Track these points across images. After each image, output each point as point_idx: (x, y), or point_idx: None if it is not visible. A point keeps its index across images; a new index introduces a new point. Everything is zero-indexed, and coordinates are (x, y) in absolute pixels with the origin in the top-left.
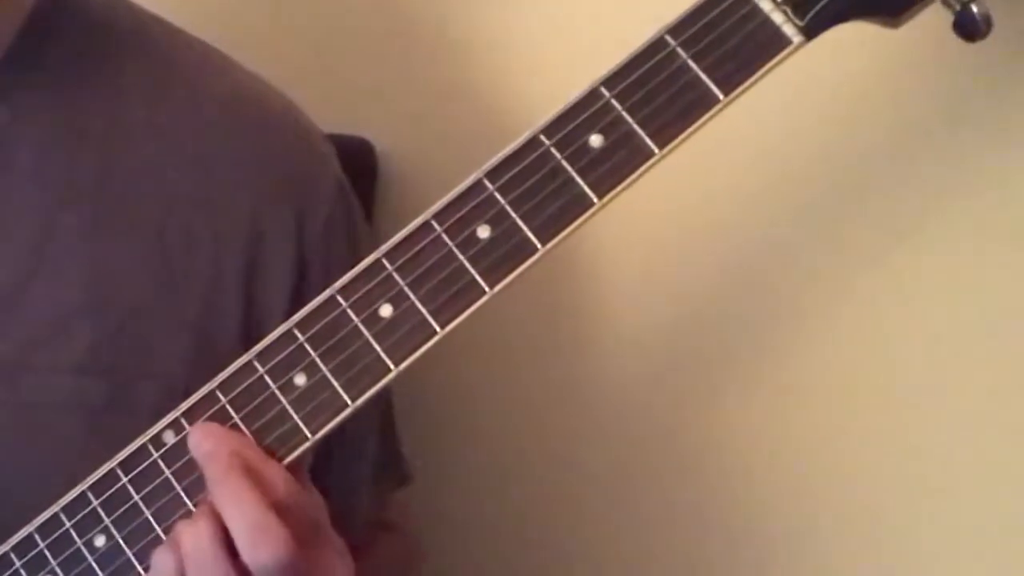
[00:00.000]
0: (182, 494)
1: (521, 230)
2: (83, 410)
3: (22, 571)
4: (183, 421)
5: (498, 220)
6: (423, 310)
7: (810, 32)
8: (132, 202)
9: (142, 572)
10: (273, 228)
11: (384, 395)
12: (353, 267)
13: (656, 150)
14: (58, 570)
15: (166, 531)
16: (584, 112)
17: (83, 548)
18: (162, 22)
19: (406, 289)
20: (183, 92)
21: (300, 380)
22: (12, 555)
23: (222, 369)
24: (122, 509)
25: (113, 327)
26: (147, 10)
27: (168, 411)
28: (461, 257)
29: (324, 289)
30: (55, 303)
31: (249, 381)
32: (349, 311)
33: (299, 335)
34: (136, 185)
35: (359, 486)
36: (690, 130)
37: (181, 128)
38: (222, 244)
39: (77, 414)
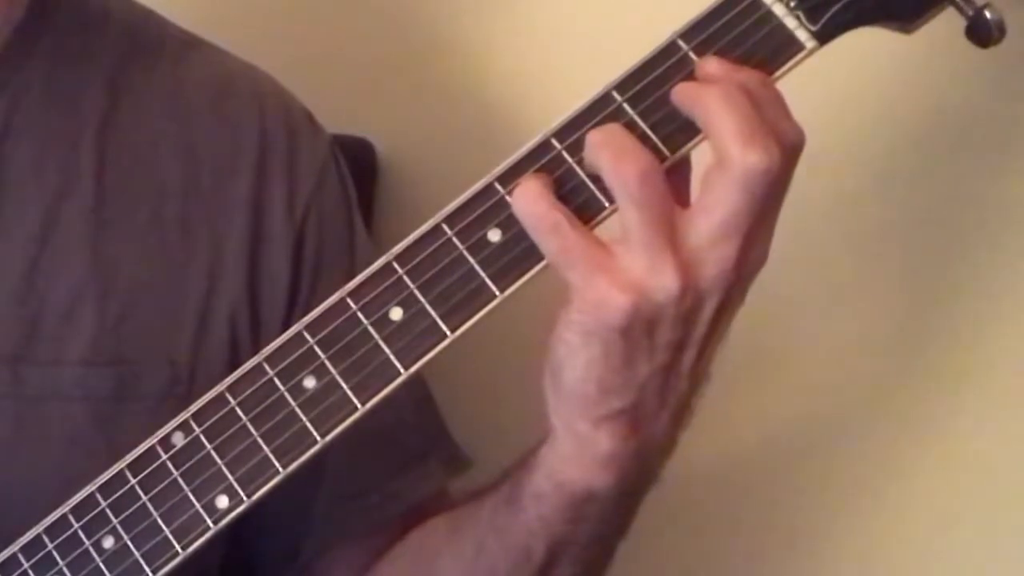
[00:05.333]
0: (190, 496)
1: None
2: (89, 401)
3: (30, 572)
4: (192, 423)
5: (509, 224)
6: (433, 313)
7: (823, 37)
8: (128, 191)
9: (150, 573)
10: (267, 209)
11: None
12: (350, 243)
13: (668, 153)
14: (66, 571)
15: (174, 533)
16: (596, 116)
17: (91, 549)
18: (153, 15)
19: (416, 292)
20: (170, 82)
21: (309, 383)
22: (20, 556)
23: (228, 353)
24: (130, 510)
25: (117, 316)
26: (140, 4)
27: (173, 398)
28: (471, 260)
29: (316, 265)
30: (59, 295)
31: (259, 383)
32: (359, 314)
33: (309, 338)
34: (130, 174)
35: (396, 472)
36: (701, 135)
37: (168, 117)
38: (218, 231)
39: (83, 405)
